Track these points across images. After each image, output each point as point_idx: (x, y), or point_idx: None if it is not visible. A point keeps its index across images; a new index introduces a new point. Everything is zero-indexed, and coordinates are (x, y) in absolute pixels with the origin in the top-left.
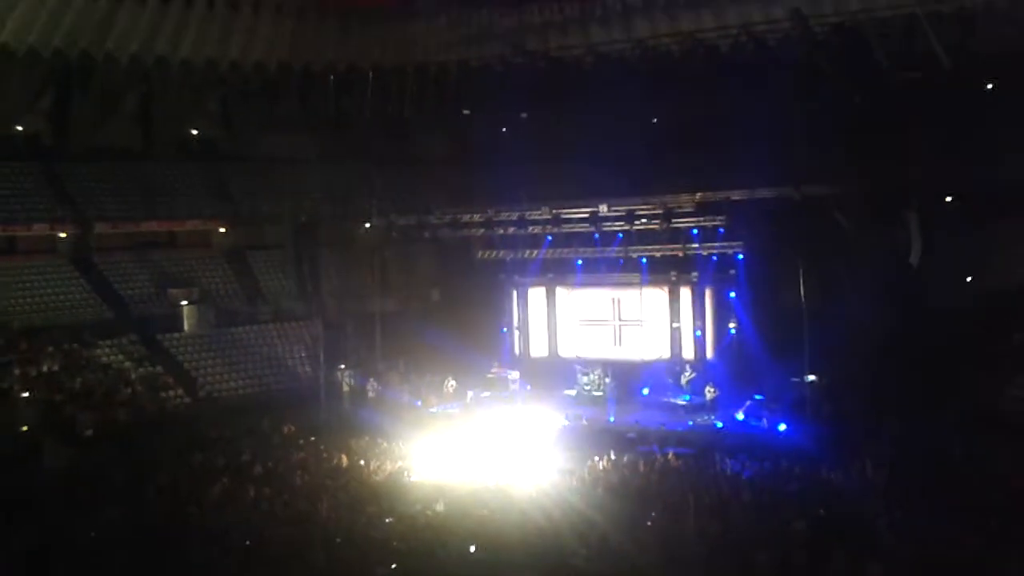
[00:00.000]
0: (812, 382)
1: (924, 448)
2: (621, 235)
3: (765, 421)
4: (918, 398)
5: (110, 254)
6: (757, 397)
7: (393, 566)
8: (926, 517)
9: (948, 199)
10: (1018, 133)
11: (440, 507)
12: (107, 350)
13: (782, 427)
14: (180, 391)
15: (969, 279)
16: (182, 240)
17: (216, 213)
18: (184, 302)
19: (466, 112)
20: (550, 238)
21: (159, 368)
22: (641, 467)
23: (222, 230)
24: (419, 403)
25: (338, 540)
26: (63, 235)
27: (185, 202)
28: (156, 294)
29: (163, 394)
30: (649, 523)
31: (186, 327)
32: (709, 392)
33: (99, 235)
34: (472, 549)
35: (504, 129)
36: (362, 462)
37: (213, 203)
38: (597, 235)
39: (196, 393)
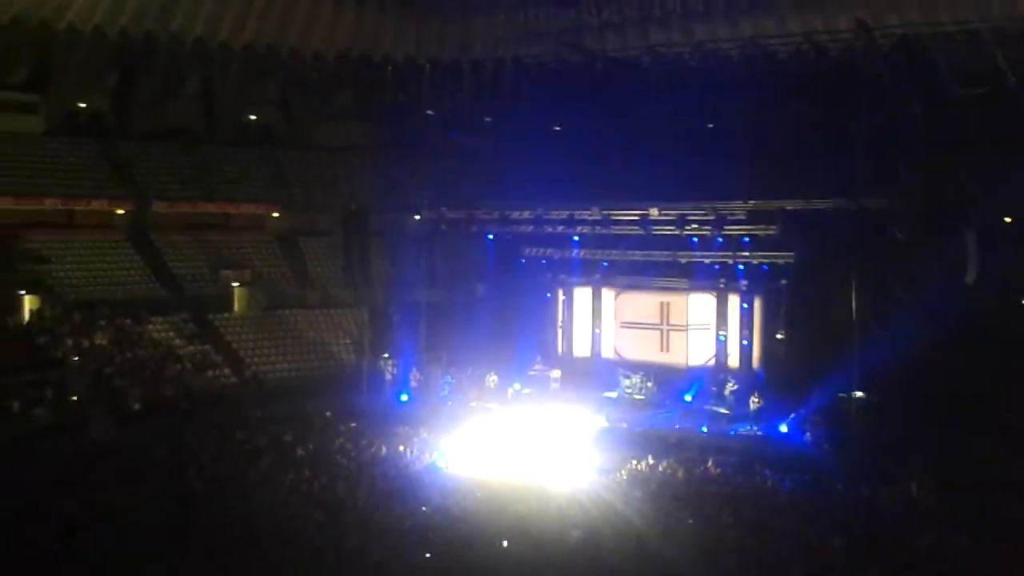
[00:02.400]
0: (859, 398)
1: (970, 469)
2: (671, 240)
3: (809, 435)
4: (968, 419)
5: (166, 233)
6: (802, 410)
7: (427, 555)
8: (968, 538)
9: (1007, 219)
10: None
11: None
12: (158, 326)
13: (826, 442)
14: (227, 370)
15: None
16: (236, 223)
17: (271, 198)
18: (236, 283)
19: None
20: (599, 239)
21: (208, 347)
22: (680, 474)
23: (276, 215)
24: (460, 396)
25: (373, 526)
26: (121, 212)
27: (241, 186)
28: (209, 274)
29: (210, 373)
30: (685, 529)
31: (236, 308)
32: (754, 402)
33: (156, 214)
34: (505, 544)
35: (558, 127)
36: (401, 449)
37: (268, 188)
38: (646, 238)
39: (243, 373)
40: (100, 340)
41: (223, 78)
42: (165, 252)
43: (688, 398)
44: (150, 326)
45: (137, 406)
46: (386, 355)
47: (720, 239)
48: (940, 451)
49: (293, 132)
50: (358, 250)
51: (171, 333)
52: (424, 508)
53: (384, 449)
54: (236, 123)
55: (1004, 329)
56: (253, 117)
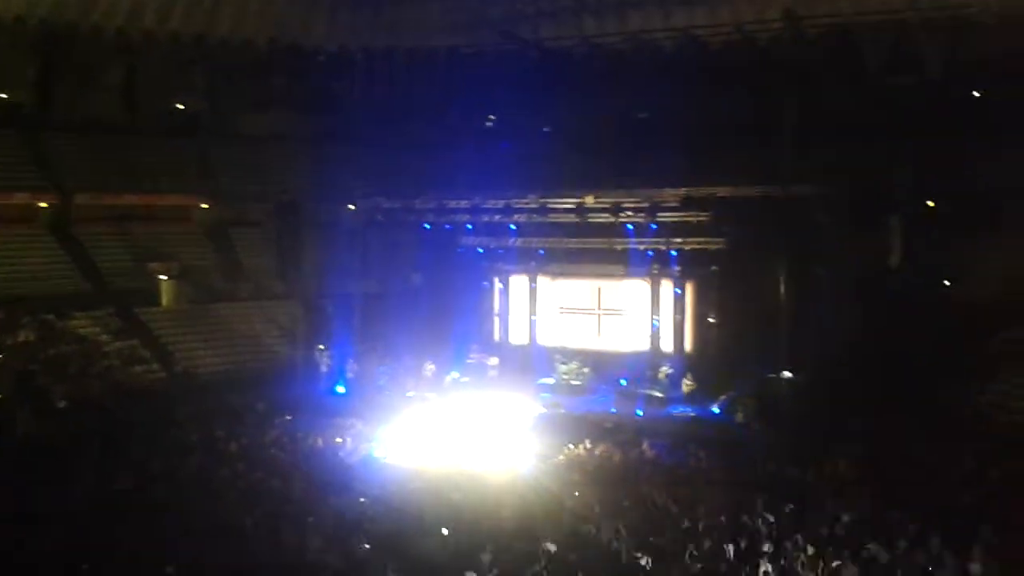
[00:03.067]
0: (788, 379)
1: (894, 449)
2: (607, 228)
3: (740, 416)
4: (892, 400)
5: (90, 226)
6: (733, 392)
7: (366, 546)
8: (891, 515)
9: (930, 205)
10: (1000, 144)
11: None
12: (84, 322)
13: (756, 422)
14: (156, 366)
15: (947, 284)
16: (163, 214)
17: (198, 189)
18: (163, 276)
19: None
20: (535, 227)
21: (135, 342)
22: (617, 457)
23: (204, 206)
24: (397, 386)
25: (311, 519)
26: (44, 205)
27: (167, 177)
28: (135, 268)
29: (138, 368)
30: (622, 511)
31: (164, 302)
32: (686, 385)
33: (79, 206)
34: (445, 532)
35: (493, 116)
36: (338, 441)
37: (196, 179)
38: (582, 226)
39: (172, 368)
40: (24, 337)
41: (147, 67)
42: (89, 246)
43: (623, 382)
44: (75, 322)
45: (63, 403)
46: (321, 346)
47: (654, 226)
48: (866, 431)
49: (220, 122)
50: (290, 241)
51: (97, 328)
52: (362, 499)
53: (320, 441)
54: (162, 113)
55: (928, 311)
56: (180, 106)
